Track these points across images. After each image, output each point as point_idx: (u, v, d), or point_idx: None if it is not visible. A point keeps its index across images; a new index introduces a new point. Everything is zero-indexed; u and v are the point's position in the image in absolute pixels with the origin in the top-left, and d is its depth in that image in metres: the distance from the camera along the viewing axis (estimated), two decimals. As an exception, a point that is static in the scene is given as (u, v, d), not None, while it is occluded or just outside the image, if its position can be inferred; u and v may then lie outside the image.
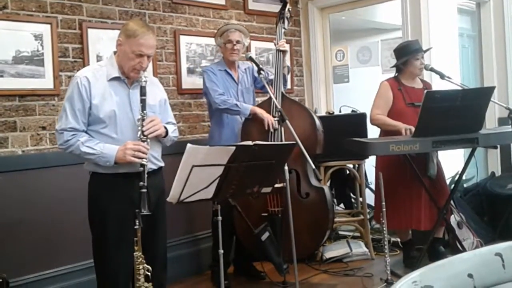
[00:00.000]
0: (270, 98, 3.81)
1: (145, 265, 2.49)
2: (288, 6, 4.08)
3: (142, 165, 2.52)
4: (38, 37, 3.44)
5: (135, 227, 2.43)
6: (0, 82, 3.28)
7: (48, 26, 3.47)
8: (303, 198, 3.74)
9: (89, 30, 3.66)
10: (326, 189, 3.82)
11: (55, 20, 3.52)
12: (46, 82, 3.46)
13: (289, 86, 5.13)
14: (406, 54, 3.91)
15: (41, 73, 3.44)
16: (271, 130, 3.71)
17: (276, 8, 4.99)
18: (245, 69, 4.01)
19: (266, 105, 3.84)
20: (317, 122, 3.84)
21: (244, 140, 3.57)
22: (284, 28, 4.03)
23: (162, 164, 2.78)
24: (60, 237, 3.42)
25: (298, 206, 3.61)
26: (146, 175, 2.50)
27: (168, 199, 2.55)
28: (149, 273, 2.49)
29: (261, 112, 3.75)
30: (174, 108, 4.21)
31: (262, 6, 4.83)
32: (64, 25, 3.58)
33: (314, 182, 3.77)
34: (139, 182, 2.48)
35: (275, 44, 3.98)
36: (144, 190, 2.47)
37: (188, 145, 2.45)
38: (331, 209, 3.84)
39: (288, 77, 4.03)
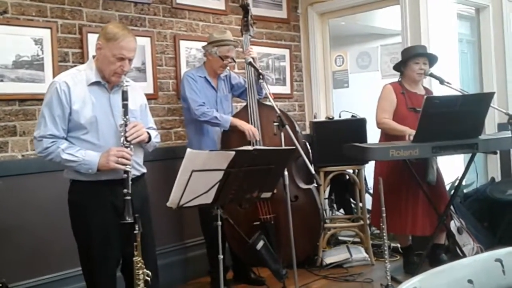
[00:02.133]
0: (247, 106, 3.81)
1: (145, 270, 2.47)
2: (250, 12, 3.94)
3: (126, 172, 2.46)
4: (38, 42, 3.44)
5: (135, 231, 2.42)
6: (0, 87, 3.28)
7: (48, 30, 3.48)
8: (293, 201, 3.72)
9: (89, 35, 3.66)
10: (313, 189, 3.83)
11: (55, 25, 3.53)
12: (46, 87, 3.36)
13: (289, 91, 5.16)
14: (406, 56, 3.93)
15: (41, 78, 3.45)
16: (253, 140, 3.69)
17: (276, 13, 5.05)
18: (224, 77, 3.96)
19: (244, 113, 3.83)
20: (296, 125, 3.89)
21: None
22: (250, 35, 3.94)
23: (144, 170, 2.73)
24: (60, 242, 3.40)
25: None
26: (130, 182, 2.46)
27: (167, 204, 2.53)
28: (148, 278, 2.47)
29: (241, 124, 3.72)
30: (174, 113, 4.22)
31: (262, 11, 4.85)
32: (64, 30, 3.59)
33: (301, 184, 3.80)
34: (123, 189, 2.42)
35: (243, 53, 3.94)
36: (129, 198, 2.42)
37: (188, 149, 2.45)
38: (322, 208, 3.86)
39: (265, 84, 3.50)
